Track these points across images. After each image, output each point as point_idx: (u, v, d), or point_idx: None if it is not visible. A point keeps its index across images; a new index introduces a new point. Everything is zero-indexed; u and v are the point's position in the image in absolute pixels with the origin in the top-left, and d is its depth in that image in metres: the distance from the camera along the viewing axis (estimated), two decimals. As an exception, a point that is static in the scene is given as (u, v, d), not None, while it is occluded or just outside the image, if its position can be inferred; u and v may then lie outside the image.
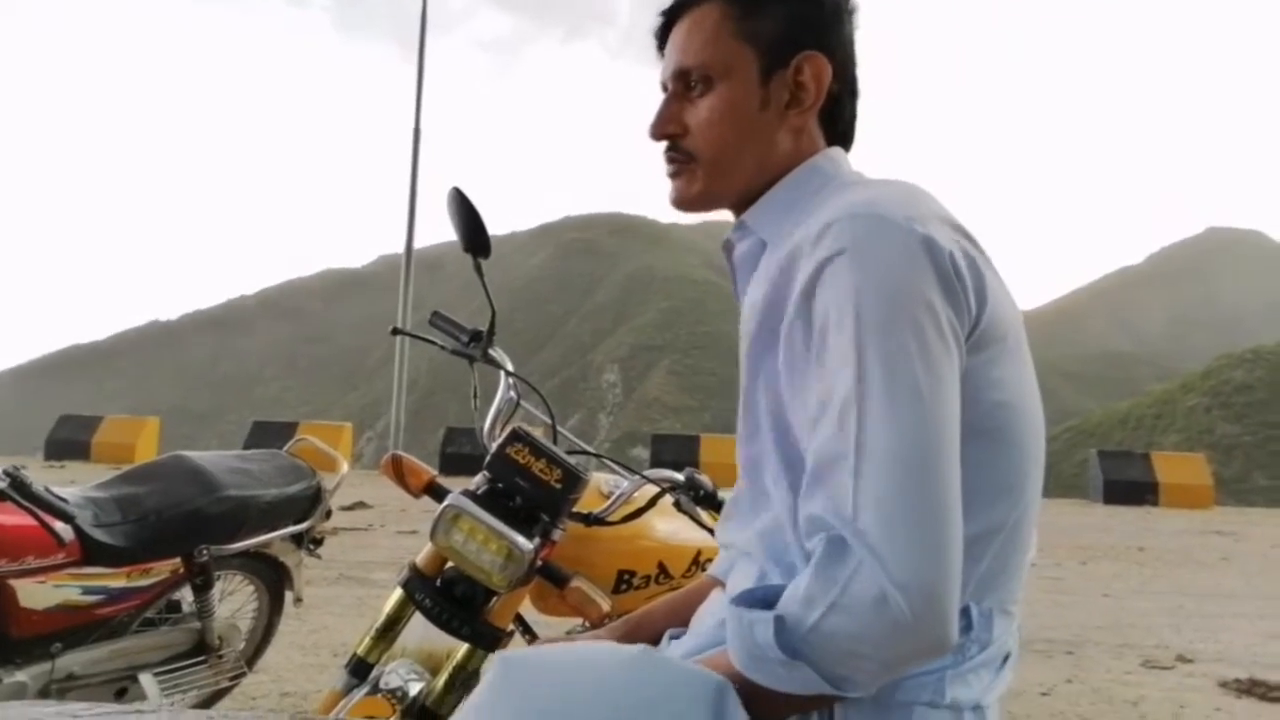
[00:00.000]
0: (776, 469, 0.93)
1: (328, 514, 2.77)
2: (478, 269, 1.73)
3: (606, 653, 0.82)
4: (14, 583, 2.13)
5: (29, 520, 2.05)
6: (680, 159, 1.01)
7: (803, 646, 0.76)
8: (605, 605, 1.66)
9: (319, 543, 2.78)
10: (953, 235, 0.86)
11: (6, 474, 2.02)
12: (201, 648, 2.54)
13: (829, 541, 0.77)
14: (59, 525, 2.10)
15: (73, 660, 2.26)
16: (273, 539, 2.60)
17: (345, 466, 2.93)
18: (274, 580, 2.79)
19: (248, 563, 2.66)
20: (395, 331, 1.99)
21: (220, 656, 2.57)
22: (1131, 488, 12.05)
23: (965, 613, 0.87)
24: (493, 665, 0.81)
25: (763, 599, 0.81)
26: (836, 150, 1.02)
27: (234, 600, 2.78)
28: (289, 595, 2.81)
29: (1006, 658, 0.93)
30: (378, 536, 6.72)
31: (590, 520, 1.73)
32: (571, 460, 1.52)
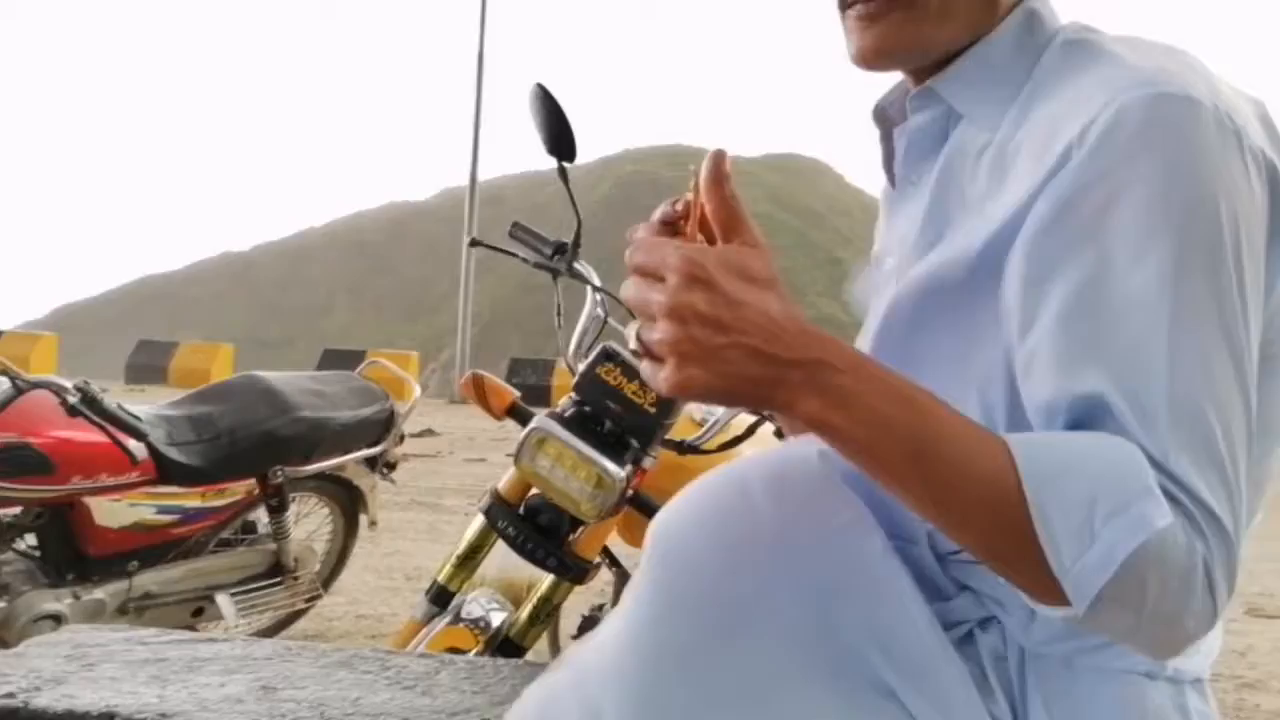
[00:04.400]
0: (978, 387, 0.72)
1: (401, 438, 2.73)
2: (562, 174, 1.58)
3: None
4: (89, 500, 2.11)
5: (101, 437, 2.02)
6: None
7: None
8: (700, 538, 1.55)
9: (393, 467, 2.74)
10: (1264, 134, 0.66)
11: (77, 389, 1.97)
12: (277, 569, 2.52)
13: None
14: (131, 443, 2.06)
15: (150, 579, 2.25)
16: (347, 462, 2.57)
17: (418, 390, 2.87)
18: (348, 503, 2.76)
19: (322, 485, 2.63)
20: (474, 243, 1.85)
21: (296, 578, 2.55)
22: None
23: None
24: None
25: None
26: None
27: (309, 522, 2.77)
28: (363, 519, 2.79)
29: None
30: (447, 463, 6.77)
31: (684, 448, 1.60)
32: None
